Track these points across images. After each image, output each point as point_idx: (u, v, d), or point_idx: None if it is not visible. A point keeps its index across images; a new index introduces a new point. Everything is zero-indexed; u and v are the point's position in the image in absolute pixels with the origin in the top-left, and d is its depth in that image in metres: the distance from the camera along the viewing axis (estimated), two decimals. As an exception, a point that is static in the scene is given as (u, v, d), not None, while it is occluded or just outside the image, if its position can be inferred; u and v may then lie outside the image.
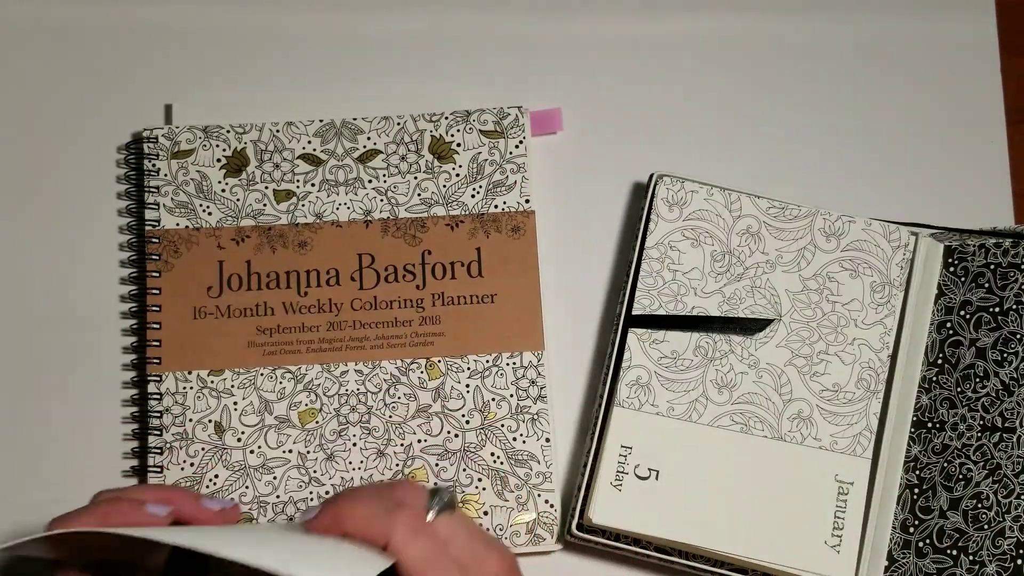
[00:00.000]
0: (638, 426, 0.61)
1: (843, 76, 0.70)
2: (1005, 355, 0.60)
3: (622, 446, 0.60)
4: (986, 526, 0.58)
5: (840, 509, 0.60)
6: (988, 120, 0.69)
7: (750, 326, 0.62)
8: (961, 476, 0.59)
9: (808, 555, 0.60)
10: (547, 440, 0.63)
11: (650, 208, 0.63)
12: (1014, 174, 0.68)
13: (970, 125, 0.69)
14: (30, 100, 0.68)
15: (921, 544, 0.60)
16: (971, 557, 0.58)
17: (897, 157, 0.69)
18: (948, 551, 0.59)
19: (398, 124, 0.67)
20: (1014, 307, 0.60)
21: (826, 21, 0.70)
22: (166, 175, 0.66)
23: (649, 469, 0.61)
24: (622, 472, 0.60)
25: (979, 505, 0.58)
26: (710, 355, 0.62)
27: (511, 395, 0.64)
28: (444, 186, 0.66)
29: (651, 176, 0.64)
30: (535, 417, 0.63)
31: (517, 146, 0.66)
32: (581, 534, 0.61)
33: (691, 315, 0.62)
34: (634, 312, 0.62)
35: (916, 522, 0.61)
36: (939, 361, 0.62)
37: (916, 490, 0.61)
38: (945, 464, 0.60)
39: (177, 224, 0.65)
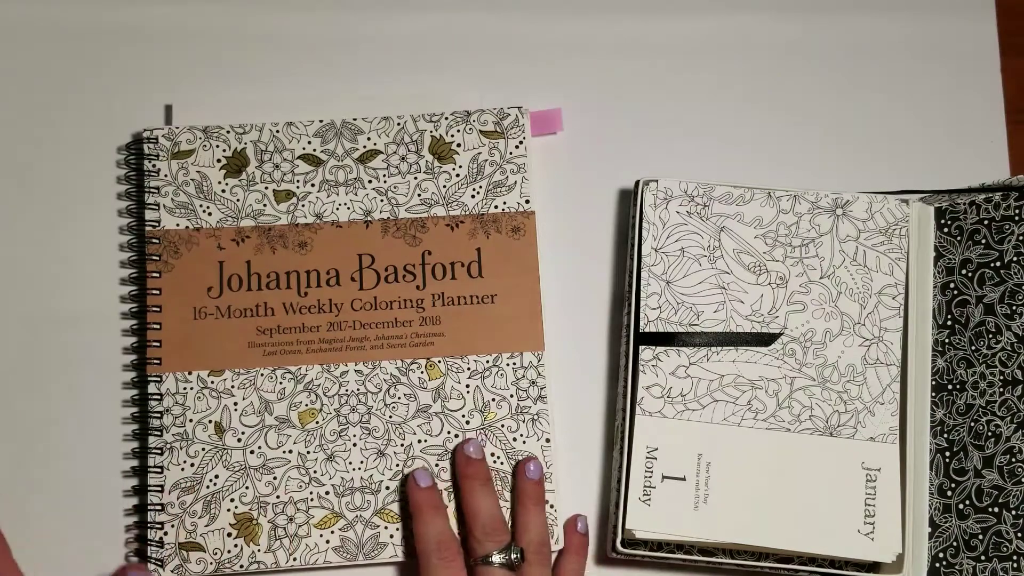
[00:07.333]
0: (663, 432, 0.61)
1: (843, 77, 0.70)
2: (1014, 307, 0.60)
3: (648, 454, 0.60)
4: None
5: (870, 496, 0.60)
6: (988, 120, 0.69)
7: (752, 340, 0.62)
8: (990, 433, 0.59)
9: (845, 542, 0.60)
10: (547, 440, 0.63)
11: (641, 216, 0.63)
12: (1014, 174, 0.68)
13: (970, 125, 0.69)
14: (30, 100, 0.68)
15: (961, 506, 0.60)
16: (1014, 512, 0.58)
17: (898, 157, 0.69)
18: (989, 509, 0.59)
19: (398, 124, 0.67)
20: (1015, 259, 0.60)
21: (827, 22, 0.70)
22: (166, 175, 0.66)
23: (678, 473, 0.61)
24: (652, 481, 0.60)
25: (1013, 459, 0.58)
26: (722, 355, 0.62)
27: (511, 395, 0.64)
28: (444, 186, 0.66)
29: (637, 183, 0.64)
30: (535, 417, 0.63)
31: (517, 146, 0.66)
32: (626, 550, 0.61)
33: (699, 331, 0.62)
34: (641, 326, 0.62)
35: (952, 485, 0.60)
36: (948, 322, 0.62)
37: (947, 453, 0.61)
38: (972, 423, 0.60)
39: (177, 224, 0.65)
